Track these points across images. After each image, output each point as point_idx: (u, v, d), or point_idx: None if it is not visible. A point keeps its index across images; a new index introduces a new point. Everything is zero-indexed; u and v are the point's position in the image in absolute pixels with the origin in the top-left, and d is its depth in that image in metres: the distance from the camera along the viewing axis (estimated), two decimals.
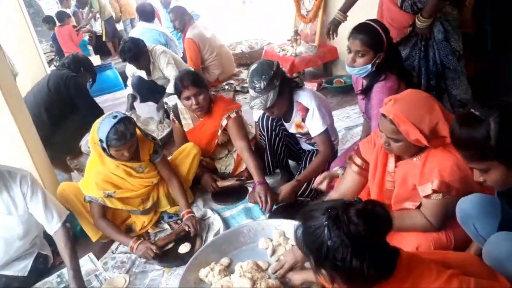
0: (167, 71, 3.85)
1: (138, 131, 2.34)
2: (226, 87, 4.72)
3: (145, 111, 4.30)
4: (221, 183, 2.75)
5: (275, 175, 2.80)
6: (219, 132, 2.69)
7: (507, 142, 1.20)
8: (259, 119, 2.55)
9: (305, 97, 2.37)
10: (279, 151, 2.60)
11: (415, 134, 1.56)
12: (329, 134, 2.44)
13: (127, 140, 2.16)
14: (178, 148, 2.81)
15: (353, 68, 2.15)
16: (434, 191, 1.62)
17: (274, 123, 2.50)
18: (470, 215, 1.59)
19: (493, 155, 1.23)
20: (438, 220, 1.69)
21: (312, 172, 2.39)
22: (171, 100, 3.65)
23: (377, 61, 2.11)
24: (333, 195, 1.96)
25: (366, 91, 2.22)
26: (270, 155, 2.60)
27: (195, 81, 2.55)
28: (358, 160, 1.91)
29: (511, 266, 1.35)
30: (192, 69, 3.87)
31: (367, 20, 2.20)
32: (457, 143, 1.31)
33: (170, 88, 3.77)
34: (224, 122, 2.64)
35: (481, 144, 1.22)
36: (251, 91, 2.27)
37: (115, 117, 2.16)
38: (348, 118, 3.53)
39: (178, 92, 2.60)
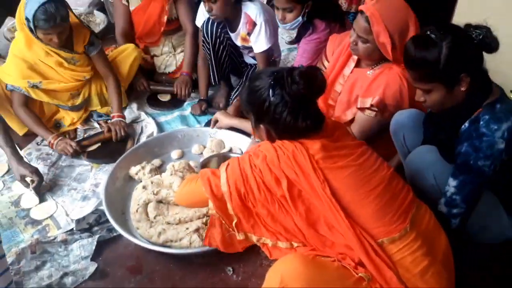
0: None
1: (72, 17, 2.15)
2: None
3: None
4: (153, 86, 2.70)
5: (215, 86, 2.72)
6: (167, 6, 2.57)
7: (454, 66, 1.32)
8: (203, 25, 2.40)
9: (254, 9, 2.29)
10: (223, 61, 2.51)
11: (385, 37, 1.62)
12: (271, 53, 2.44)
13: (56, 23, 1.97)
14: (117, 28, 2.68)
15: (285, 24, 2.15)
16: (371, 106, 1.75)
17: (220, 30, 2.38)
18: (403, 125, 1.73)
19: (439, 77, 1.35)
20: (363, 136, 1.83)
21: None
22: None
23: (307, 10, 2.10)
24: None
25: (296, 42, 2.31)
26: (215, 64, 2.50)
27: None
28: (326, 62, 2.03)
29: (430, 174, 1.54)
30: None
31: None
32: (409, 62, 1.40)
33: None
34: None
35: (431, 65, 1.33)
36: None
37: None
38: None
39: None
